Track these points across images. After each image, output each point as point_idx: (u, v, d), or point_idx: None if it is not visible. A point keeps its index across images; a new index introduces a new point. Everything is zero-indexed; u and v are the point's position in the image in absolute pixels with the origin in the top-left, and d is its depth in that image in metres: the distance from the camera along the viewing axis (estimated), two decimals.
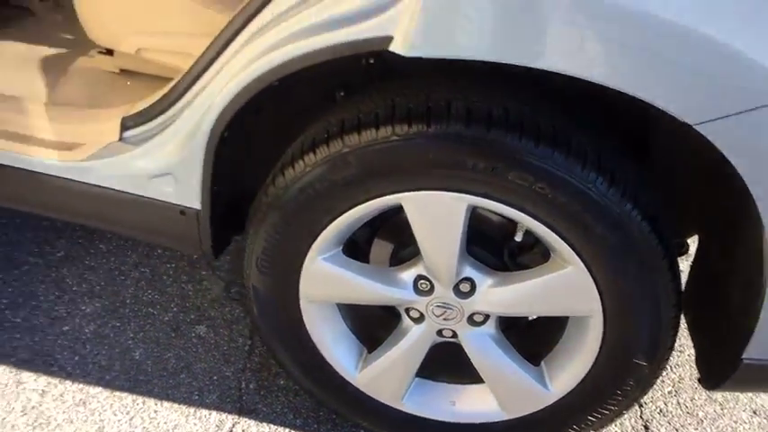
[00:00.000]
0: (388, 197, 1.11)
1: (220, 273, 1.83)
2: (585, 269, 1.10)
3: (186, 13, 1.36)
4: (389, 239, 1.32)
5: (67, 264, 1.82)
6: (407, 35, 0.94)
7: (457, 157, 1.03)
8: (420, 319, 1.27)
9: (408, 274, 1.23)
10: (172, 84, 1.27)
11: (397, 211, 1.16)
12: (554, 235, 1.07)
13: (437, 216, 1.12)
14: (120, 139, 1.33)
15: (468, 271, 1.19)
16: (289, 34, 1.05)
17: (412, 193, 1.09)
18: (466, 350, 1.27)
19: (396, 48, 0.96)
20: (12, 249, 1.84)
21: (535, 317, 1.39)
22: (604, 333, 1.15)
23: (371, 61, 1.15)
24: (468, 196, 1.07)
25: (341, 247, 1.23)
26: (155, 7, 1.38)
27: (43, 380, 1.50)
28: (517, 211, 1.07)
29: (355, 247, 1.30)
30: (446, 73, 1.08)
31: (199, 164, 1.23)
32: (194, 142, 1.21)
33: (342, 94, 1.29)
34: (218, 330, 1.67)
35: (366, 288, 1.24)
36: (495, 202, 1.07)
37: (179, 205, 1.32)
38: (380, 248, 1.33)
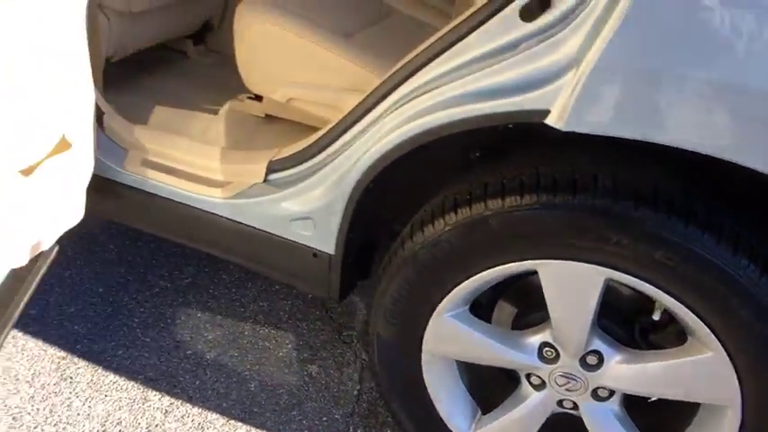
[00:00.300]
0: (524, 262, 1.12)
1: (333, 314, 1.88)
2: (726, 356, 1.06)
3: (339, 70, 1.45)
4: (514, 302, 1.32)
5: (193, 290, 1.92)
6: (565, 110, 0.97)
7: (601, 230, 1.03)
8: (541, 387, 1.26)
9: (534, 340, 1.23)
10: (320, 134, 1.35)
11: (524, 274, 1.17)
12: (695, 318, 1.05)
13: (573, 286, 1.12)
14: (265, 180, 1.42)
15: (597, 344, 1.17)
16: (444, 99, 1.10)
17: (550, 261, 1.10)
18: (586, 424, 1.25)
19: (551, 121, 0.99)
20: (146, 271, 1.97)
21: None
22: (743, 423, 1.10)
23: (510, 125, 1.18)
24: (607, 270, 1.06)
25: (468, 306, 1.25)
26: (311, 62, 1.48)
27: (167, 400, 1.59)
28: (658, 290, 1.05)
29: (478, 307, 1.31)
30: (591, 144, 1.10)
31: (340, 211, 1.30)
32: (338, 191, 1.28)
33: (477, 154, 1.32)
34: (329, 371, 1.71)
35: (489, 349, 1.25)
36: (636, 279, 1.06)
37: (314, 248, 1.38)
38: (504, 310, 1.33)
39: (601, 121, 0.96)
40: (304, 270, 1.43)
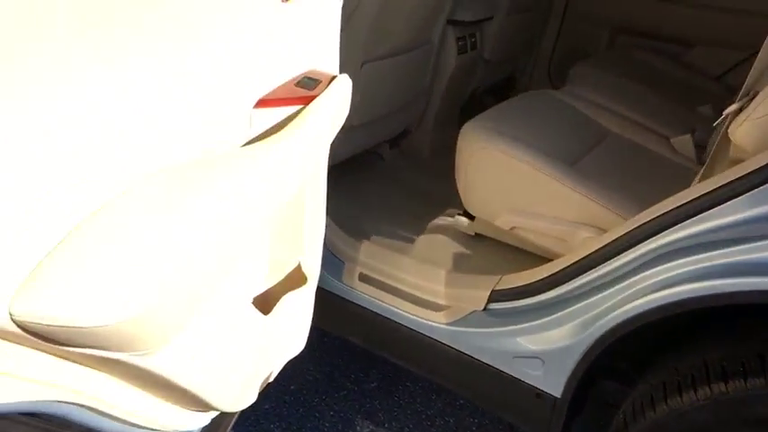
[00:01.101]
0: None
1: None
2: None
3: (566, 200, 1.42)
4: None
5: (379, 396, 1.91)
6: None
7: None
8: None
9: None
10: (550, 270, 1.30)
11: None
12: None
13: None
14: (485, 309, 1.39)
15: None
16: (702, 268, 1.03)
17: None
18: None
19: None
20: (333, 370, 1.99)
21: None
22: None
23: None
24: None
25: None
26: (538, 191, 1.46)
27: None
28: None
29: None
30: None
31: (577, 357, 1.24)
32: (579, 339, 1.22)
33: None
34: None
35: None
36: None
37: (538, 389, 1.32)
38: None
39: None
40: (522, 408, 1.37)
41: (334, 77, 1.15)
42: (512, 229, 1.52)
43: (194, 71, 0.80)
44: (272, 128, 0.97)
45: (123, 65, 0.70)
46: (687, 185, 1.55)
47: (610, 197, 1.43)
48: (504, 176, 1.50)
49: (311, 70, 1.14)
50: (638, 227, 1.15)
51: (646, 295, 1.10)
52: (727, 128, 1.25)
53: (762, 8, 2.48)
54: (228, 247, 0.77)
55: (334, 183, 1.96)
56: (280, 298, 1.10)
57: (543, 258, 1.49)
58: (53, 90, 0.64)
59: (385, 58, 1.81)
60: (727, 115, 1.29)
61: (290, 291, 1.18)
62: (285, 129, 0.91)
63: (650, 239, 1.12)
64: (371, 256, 1.58)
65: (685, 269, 1.06)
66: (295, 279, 1.24)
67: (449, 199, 1.81)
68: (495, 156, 1.49)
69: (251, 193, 0.80)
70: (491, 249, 1.66)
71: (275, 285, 1.18)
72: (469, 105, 2.51)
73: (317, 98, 1.01)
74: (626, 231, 1.16)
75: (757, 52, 2.51)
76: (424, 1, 1.84)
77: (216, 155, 0.86)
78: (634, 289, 1.13)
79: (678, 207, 1.09)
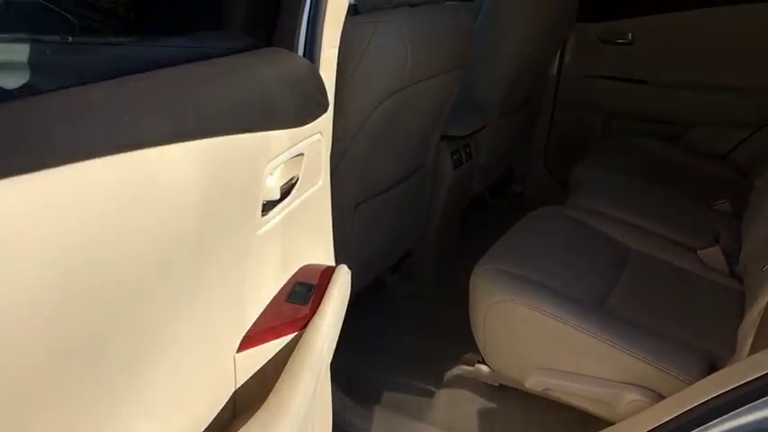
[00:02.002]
0: None
1: None
2: None
3: (611, 359, 1.24)
4: None
5: None
6: None
7: None
8: None
9: None
10: None
11: None
12: None
13: None
14: None
15: None
16: None
17: None
18: None
19: None
20: None
21: None
22: None
23: None
24: None
25: None
26: (566, 346, 1.29)
27: None
28: None
29: None
30: None
31: None
32: None
33: None
34: None
35: None
36: None
37: None
38: None
39: None
40: None
41: (329, 270, 1.00)
42: (544, 390, 1.34)
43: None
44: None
45: None
46: (732, 307, 1.40)
47: (655, 349, 1.25)
48: (529, 332, 1.33)
49: (304, 269, 0.99)
50: (703, 403, 0.98)
51: None
52: None
53: (760, 84, 2.40)
54: None
55: None
56: None
57: (581, 413, 1.31)
58: None
59: (380, 194, 1.67)
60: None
61: None
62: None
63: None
64: (388, 428, 1.40)
65: None
66: None
67: (462, 333, 1.62)
68: (517, 310, 1.32)
69: None
70: (521, 403, 1.47)
71: None
72: (470, 209, 2.38)
73: (314, 323, 0.85)
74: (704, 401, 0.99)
75: (757, 130, 2.45)
76: (416, 130, 1.72)
77: None
78: None
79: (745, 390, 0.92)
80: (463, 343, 1.65)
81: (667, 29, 2.53)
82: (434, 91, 1.66)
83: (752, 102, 2.43)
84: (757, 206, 1.76)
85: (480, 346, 1.43)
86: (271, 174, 0.80)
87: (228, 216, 0.72)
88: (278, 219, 0.85)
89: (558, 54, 2.65)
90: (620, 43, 2.58)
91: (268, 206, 0.82)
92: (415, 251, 2.12)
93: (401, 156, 1.71)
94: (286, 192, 0.86)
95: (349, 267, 1.70)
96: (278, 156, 0.81)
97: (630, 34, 2.55)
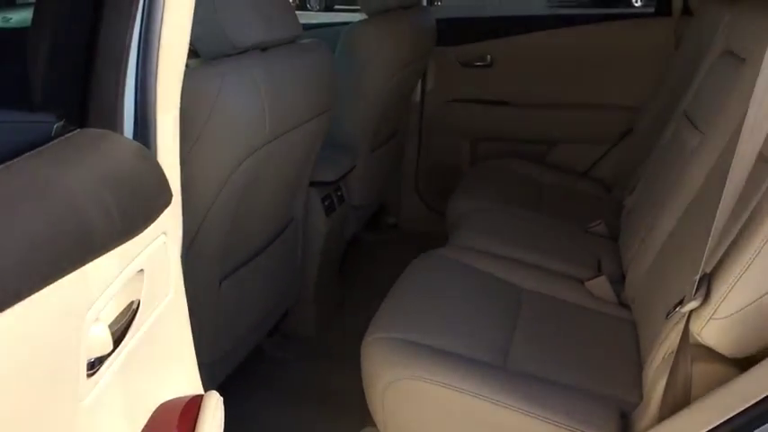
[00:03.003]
0: None
1: None
2: None
3: (522, 428, 1.12)
4: None
5: None
6: None
7: None
8: None
9: None
10: None
11: None
12: None
13: None
14: None
15: None
16: None
17: None
18: None
19: None
20: None
21: None
22: None
23: None
24: None
25: None
26: (483, 421, 1.16)
27: None
28: None
29: None
30: None
31: None
32: None
33: None
34: None
35: None
36: None
37: None
38: None
39: None
40: None
41: (195, 402, 0.79)
42: None
43: None
44: None
45: None
46: (627, 340, 1.36)
47: (565, 409, 1.16)
48: (435, 408, 1.19)
49: (161, 409, 0.77)
50: None
51: None
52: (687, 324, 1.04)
53: (612, 100, 2.47)
54: None
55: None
56: None
57: None
58: None
59: (248, 262, 1.47)
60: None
61: None
62: None
63: None
64: None
65: None
66: None
67: (354, 398, 1.45)
68: (419, 387, 1.18)
69: None
70: None
71: None
72: (347, 252, 2.23)
73: None
74: None
75: (615, 145, 2.52)
76: (282, 185, 1.54)
77: None
78: None
79: None
80: (359, 411, 1.48)
81: (522, 51, 2.54)
82: (299, 141, 1.49)
83: (606, 117, 2.51)
84: (631, 230, 1.76)
85: (380, 428, 1.27)
86: (96, 319, 0.59)
87: (36, 400, 0.51)
88: (116, 366, 0.64)
89: (420, 80, 2.58)
90: (480, 66, 2.56)
91: (98, 360, 0.61)
92: (292, 311, 1.93)
93: (267, 216, 1.52)
94: (124, 329, 0.66)
95: (222, 346, 1.48)
96: (104, 291, 0.60)
97: (489, 56, 2.54)
